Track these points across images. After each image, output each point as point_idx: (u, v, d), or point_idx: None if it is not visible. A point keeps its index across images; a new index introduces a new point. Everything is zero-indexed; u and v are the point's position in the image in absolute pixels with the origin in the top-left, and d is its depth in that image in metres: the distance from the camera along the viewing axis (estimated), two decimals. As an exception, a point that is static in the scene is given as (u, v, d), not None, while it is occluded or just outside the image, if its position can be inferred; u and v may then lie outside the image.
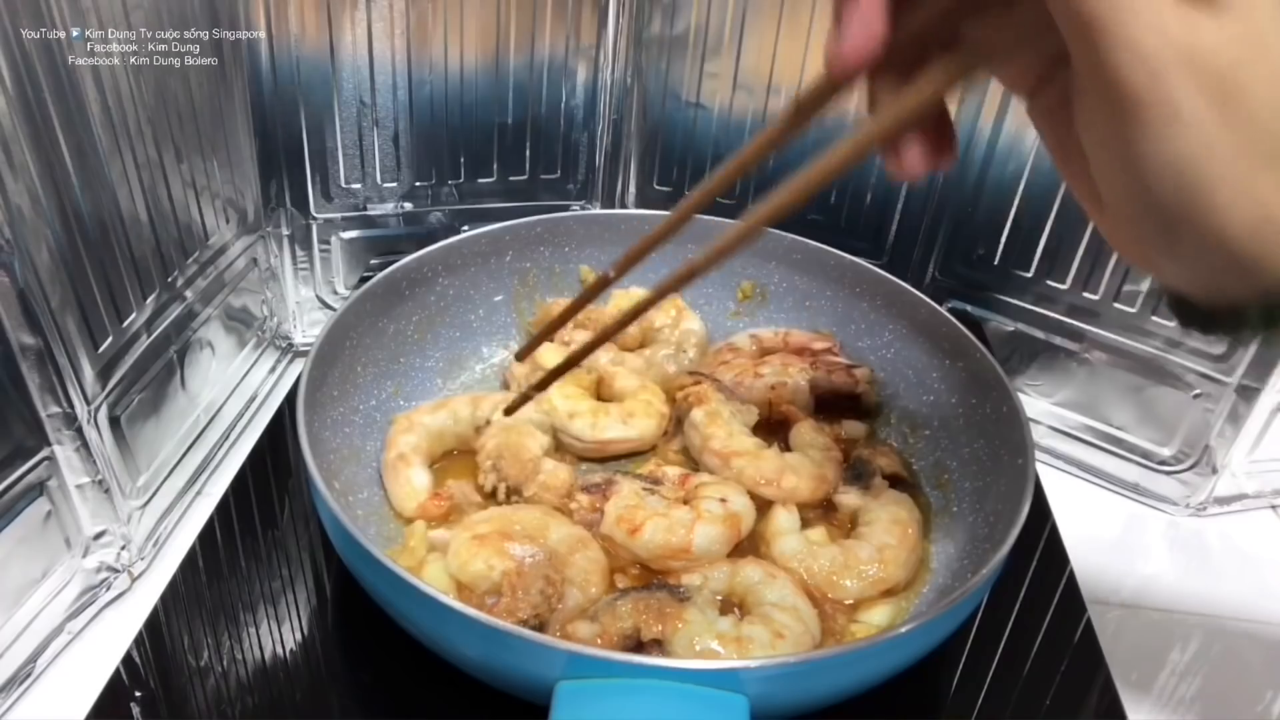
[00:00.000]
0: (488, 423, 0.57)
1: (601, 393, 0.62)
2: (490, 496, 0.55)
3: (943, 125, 0.33)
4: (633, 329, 0.67)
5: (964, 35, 0.30)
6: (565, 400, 0.58)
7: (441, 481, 0.56)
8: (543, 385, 0.50)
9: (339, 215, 0.74)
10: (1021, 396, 0.52)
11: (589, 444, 0.58)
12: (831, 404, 0.62)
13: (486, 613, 0.40)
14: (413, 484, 0.54)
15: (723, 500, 0.51)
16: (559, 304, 0.68)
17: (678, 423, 0.60)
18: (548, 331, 0.51)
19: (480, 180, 0.77)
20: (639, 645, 0.43)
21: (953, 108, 0.34)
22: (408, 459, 0.55)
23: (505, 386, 0.64)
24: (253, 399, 0.70)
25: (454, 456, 0.58)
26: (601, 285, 0.48)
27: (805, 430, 0.59)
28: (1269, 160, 0.26)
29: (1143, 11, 0.25)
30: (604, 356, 0.64)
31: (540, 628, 0.44)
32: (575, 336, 0.64)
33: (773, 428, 0.60)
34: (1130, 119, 0.26)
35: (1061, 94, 0.30)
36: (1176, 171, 0.26)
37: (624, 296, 0.68)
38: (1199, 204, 0.27)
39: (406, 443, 0.55)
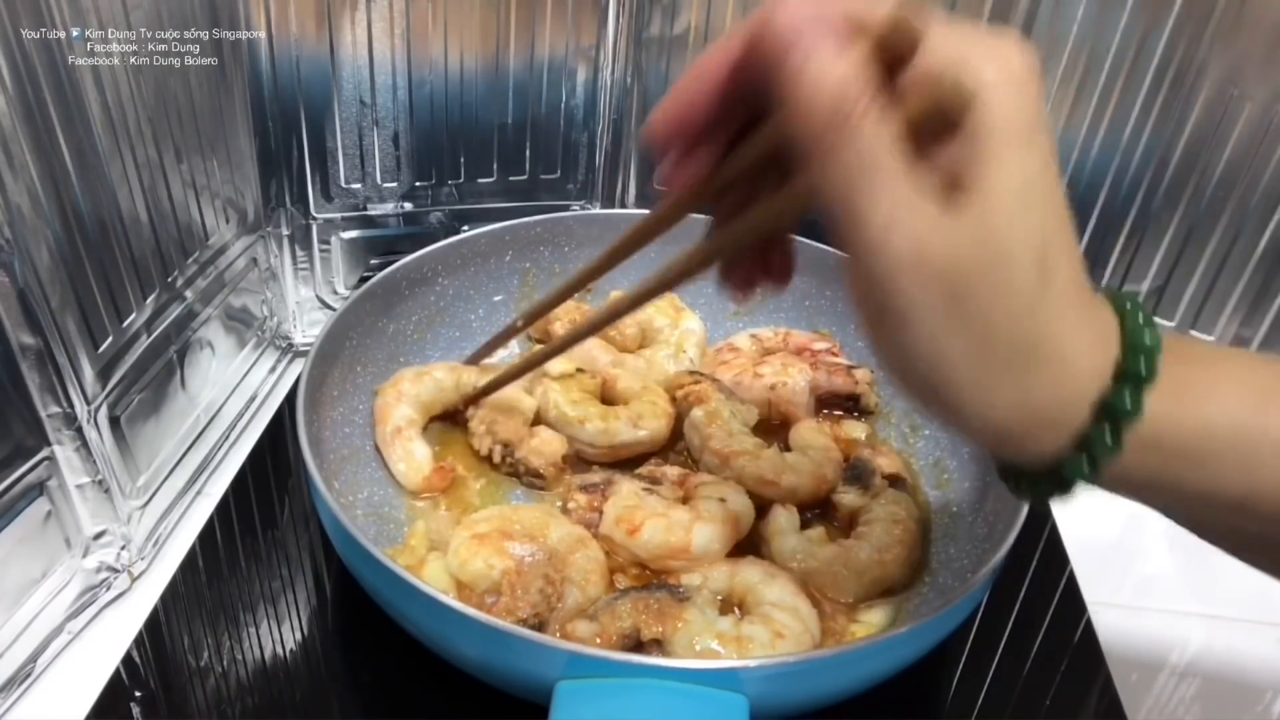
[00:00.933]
0: (475, 389, 0.58)
1: (604, 395, 0.62)
2: (487, 460, 0.56)
3: (780, 255, 0.35)
4: (632, 330, 0.67)
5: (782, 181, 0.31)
6: (574, 406, 0.58)
7: (442, 456, 0.57)
8: (506, 380, 0.56)
9: (339, 215, 0.74)
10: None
11: (601, 449, 0.58)
12: (832, 404, 0.63)
13: (486, 612, 0.40)
14: (415, 458, 0.55)
15: (722, 500, 0.51)
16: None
17: (677, 422, 0.60)
18: (500, 340, 0.58)
19: (480, 180, 0.77)
20: (638, 645, 0.43)
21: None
22: (404, 432, 0.55)
23: None
24: (253, 399, 0.70)
25: (442, 428, 0.60)
26: (510, 334, 0.57)
27: (805, 430, 0.59)
28: (1004, 363, 0.26)
29: (880, 206, 0.24)
30: (604, 358, 0.64)
31: (540, 627, 0.44)
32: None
33: (773, 428, 0.60)
34: (871, 309, 0.26)
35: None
36: (916, 361, 0.26)
37: (621, 298, 0.68)
38: (942, 399, 0.27)
39: (401, 415, 0.56)
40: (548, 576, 0.46)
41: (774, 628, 0.44)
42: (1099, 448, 0.27)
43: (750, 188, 0.33)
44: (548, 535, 0.49)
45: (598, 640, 0.43)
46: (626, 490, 0.52)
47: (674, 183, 0.33)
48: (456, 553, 0.47)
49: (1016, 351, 0.26)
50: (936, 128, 0.25)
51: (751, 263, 0.36)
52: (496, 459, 0.56)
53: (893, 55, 0.25)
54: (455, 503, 0.55)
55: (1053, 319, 0.26)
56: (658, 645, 0.43)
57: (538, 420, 0.59)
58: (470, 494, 0.55)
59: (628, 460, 0.59)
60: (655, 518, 0.49)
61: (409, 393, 0.57)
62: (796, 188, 0.29)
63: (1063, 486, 0.29)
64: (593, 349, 0.64)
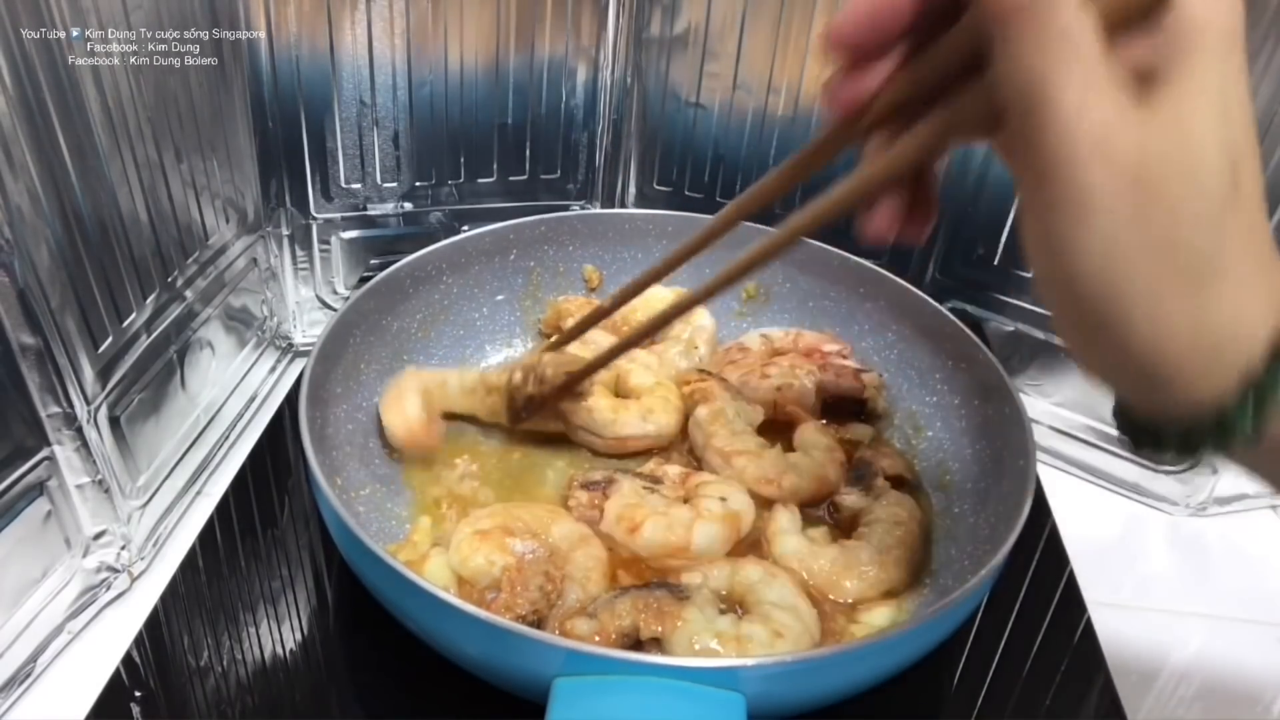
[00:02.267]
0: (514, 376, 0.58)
1: (616, 390, 0.62)
2: (510, 405, 0.56)
3: (923, 194, 0.32)
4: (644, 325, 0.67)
5: (942, 101, 0.29)
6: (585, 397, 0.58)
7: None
8: (579, 378, 0.54)
9: (339, 215, 0.74)
10: (1022, 396, 0.52)
11: (609, 440, 0.58)
12: (838, 407, 0.62)
13: (486, 608, 0.40)
14: (405, 411, 0.55)
15: (723, 499, 0.51)
16: (570, 301, 0.68)
17: (687, 418, 0.60)
18: (580, 329, 0.55)
19: (480, 180, 0.77)
20: (637, 644, 0.43)
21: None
22: (404, 395, 0.56)
23: None
24: (253, 399, 0.70)
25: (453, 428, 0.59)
26: (607, 311, 0.52)
27: (809, 431, 0.59)
28: (1183, 271, 0.24)
29: (1073, 89, 0.23)
30: None
31: (539, 624, 0.44)
32: (595, 337, 0.64)
33: (778, 428, 0.60)
34: (1047, 198, 0.25)
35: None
36: (1088, 264, 0.25)
37: (652, 296, 0.68)
38: (1107, 303, 0.25)
39: (410, 384, 0.57)
40: (548, 574, 0.46)
41: (773, 627, 0.44)
42: (1270, 392, 0.25)
43: (911, 115, 0.30)
44: (550, 532, 0.49)
45: (596, 638, 0.43)
46: (627, 488, 0.52)
47: (845, 98, 0.30)
48: (458, 549, 0.47)
49: (1198, 259, 0.24)
50: (1132, 19, 0.24)
51: (895, 201, 0.32)
52: (522, 397, 0.55)
53: None
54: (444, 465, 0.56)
55: (1238, 234, 0.25)
56: (657, 644, 0.43)
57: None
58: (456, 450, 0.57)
59: (636, 454, 0.59)
60: (656, 516, 0.49)
61: (427, 375, 0.58)
62: (973, 91, 0.27)
63: (1218, 438, 0.26)
64: (604, 345, 0.64)
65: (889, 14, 0.28)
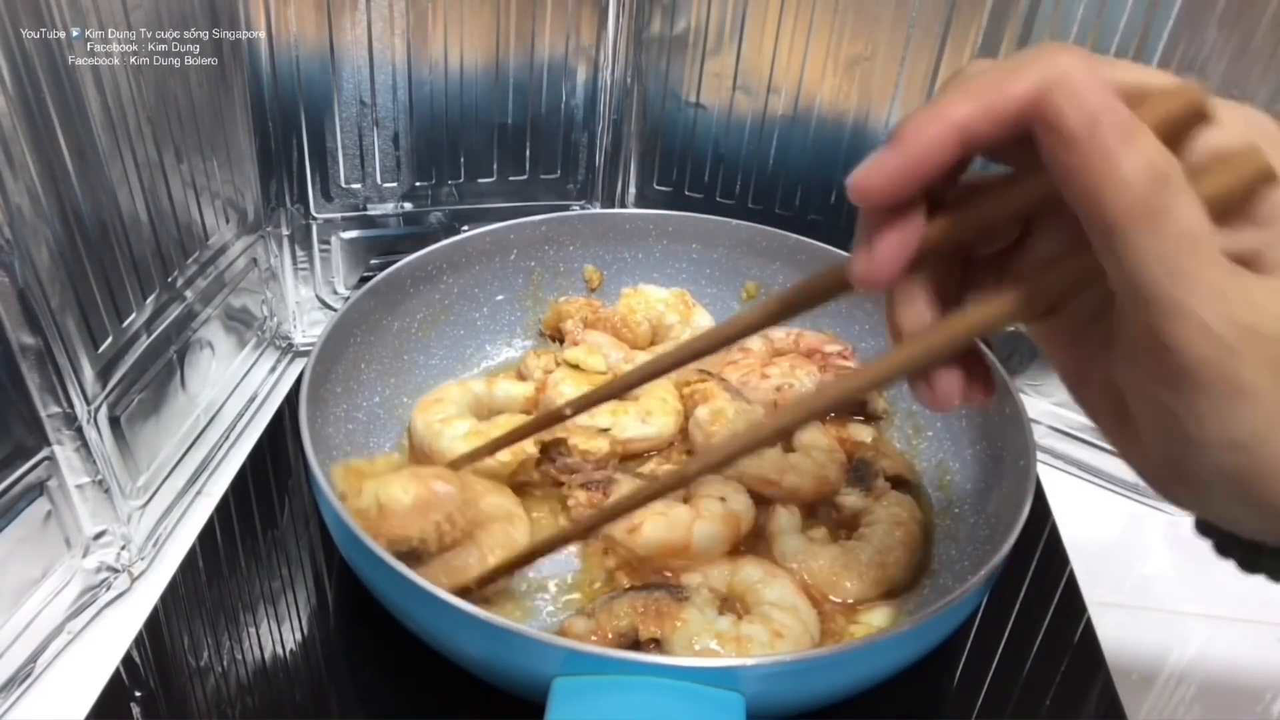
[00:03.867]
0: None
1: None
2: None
3: (975, 357, 0.30)
4: (644, 327, 0.67)
5: (1002, 273, 0.29)
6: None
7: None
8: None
9: (339, 215, 0.74)
10: (1022, 396, 0.52)
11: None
12: (839, 408, 0.62)
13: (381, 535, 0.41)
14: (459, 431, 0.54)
15: (722, 499, 0.51)
16: (572, 302, 0.68)
17: (686, 420, 0.60)
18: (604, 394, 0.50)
19: (480, 180, 0.77)
20: (636, 645, 0.43)
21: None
22: (449, 419, 0.55)
23: (520, 378, 0.64)
24: (253, 399, 0.70)
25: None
26: (556, 418, 0.48)
27: (809, 432, 0.59)
28: None
29: (1203, 282, 0.23)
30: (615, 354, 0.64)
31: (417, 560, 0.44)
32: (587, 336, 0.64)
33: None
34: (1189, 390, 0.25)
35: (1076, 323, 0.29)
36: (1234, 445, 0.25)
37: (632, 294, 0.68)
38: (1257, 474, 0.25)
39: (446, 410, 0.56)
40: (451, 516, 0.45)
41: (773, 627, 0.44)
42: None
43: (950, 264, 0.30)
44: (482, 498, 0.49)
45: (593, 638, 0.42)
46: (627, 489, 0.52)
47: (880, 275, 0.29)
48: (387, 480, 0.47)
49: None
50: (1231, 211, 0.25)
51: (957, 369, 0.30)
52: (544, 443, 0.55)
53: (1176, 128, 0.25)
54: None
55: None
56: (656, 645, 0.43)
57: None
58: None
59: (636, 456, 0.59)
60: (655, 516, 0.49)
61: (450, 397, 0.58)
62: (1045, 277, 0.27)
63: None
64: (604, 345, 0.64)
65: (920, 169, 0.26)
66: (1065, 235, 0.27)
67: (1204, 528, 0.31)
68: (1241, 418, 0.24)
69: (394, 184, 0.75)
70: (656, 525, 0.49)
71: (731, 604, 0.47)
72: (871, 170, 0.26)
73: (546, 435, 0.54)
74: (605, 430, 0.56)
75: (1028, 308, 0.28)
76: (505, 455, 0.53)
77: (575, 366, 0.61)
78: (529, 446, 0.53)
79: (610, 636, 0.43)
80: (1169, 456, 0.27)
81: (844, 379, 0.33)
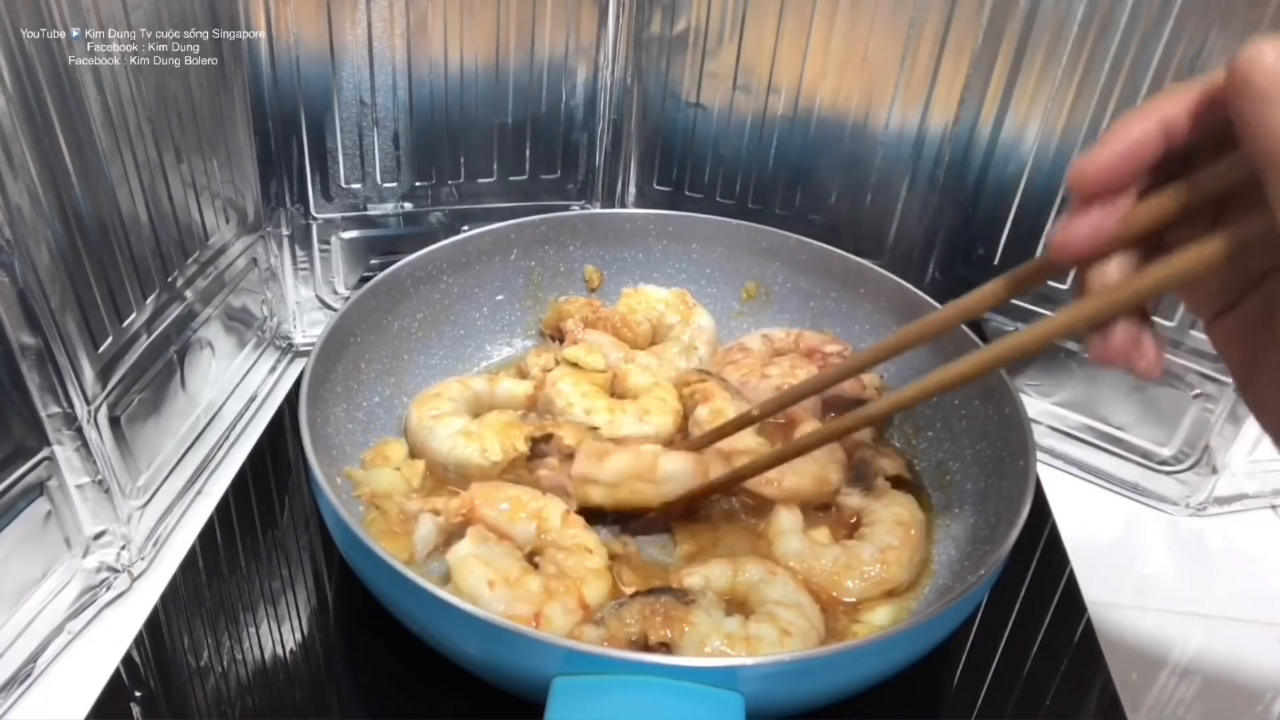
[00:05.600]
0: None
1: (615, 391, 0.62)
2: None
3: (1145, 323, 0.32)
4: (644, 326, 0.67)
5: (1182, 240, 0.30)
6: (582, 398, 0.58)
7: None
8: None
9: (339, 215, 0.74)
10: (1022, 396, 0.52)
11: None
12: (838, 408, 0.62)
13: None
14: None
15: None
16: (572, 302, 0.68)
17: (685, 419, 0.60)
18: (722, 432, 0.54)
19: (480, 180, 0.77)
20: (645, 649, 0.43)
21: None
22: (442, 416, 0.56)
23: (522, 376, 0.64)
24: (253, 399, 0.70)
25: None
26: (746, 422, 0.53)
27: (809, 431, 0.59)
28: None
29: None
30: (614, 354, 0.64)
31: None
32: (588, 335, 0.64)
33: (779, 429, 0.60)
34: None
35: (1254, 318, 0.30)
36: None
37: (632, 294, 0.68)
38: None
39: (441, 406, 0.57)
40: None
41: (781, 625, 0.43)
42: None
43: (1147, 244, 0.32)
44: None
45: (605, 644, 0.42)
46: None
47: (1080, 246, 0.32)
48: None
49: None
50: None
51: (1131, 326, 0.32)
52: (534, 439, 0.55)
53: None
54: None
55: None
56: (665, 649, 0.42)
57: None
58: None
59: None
60: (623, 450, 0.51)
61: (448, 394, 0.58)
62: (1240, 230, 0.28)
63: None
64: (604, 345, 0.64)
65: (1137, 157, 0.30)
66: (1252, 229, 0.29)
67: None
68: None
69: (394, 184, 0.75)
70: (624, 453, 0.51)
71: (735, 605, 0.47)
72: (1087, 160, 0.30)
73: (537, 431, 0.55)
74: (595, 429, 0.56)
75: (1207, 268, 0.29)
76: (496, 453, 0.53)
77: (575, 365, 0.61)
78: (519, 445, 0.54)
79: (622, 644, 0.42)
80: None
81: (1017, 336, 0.36)
